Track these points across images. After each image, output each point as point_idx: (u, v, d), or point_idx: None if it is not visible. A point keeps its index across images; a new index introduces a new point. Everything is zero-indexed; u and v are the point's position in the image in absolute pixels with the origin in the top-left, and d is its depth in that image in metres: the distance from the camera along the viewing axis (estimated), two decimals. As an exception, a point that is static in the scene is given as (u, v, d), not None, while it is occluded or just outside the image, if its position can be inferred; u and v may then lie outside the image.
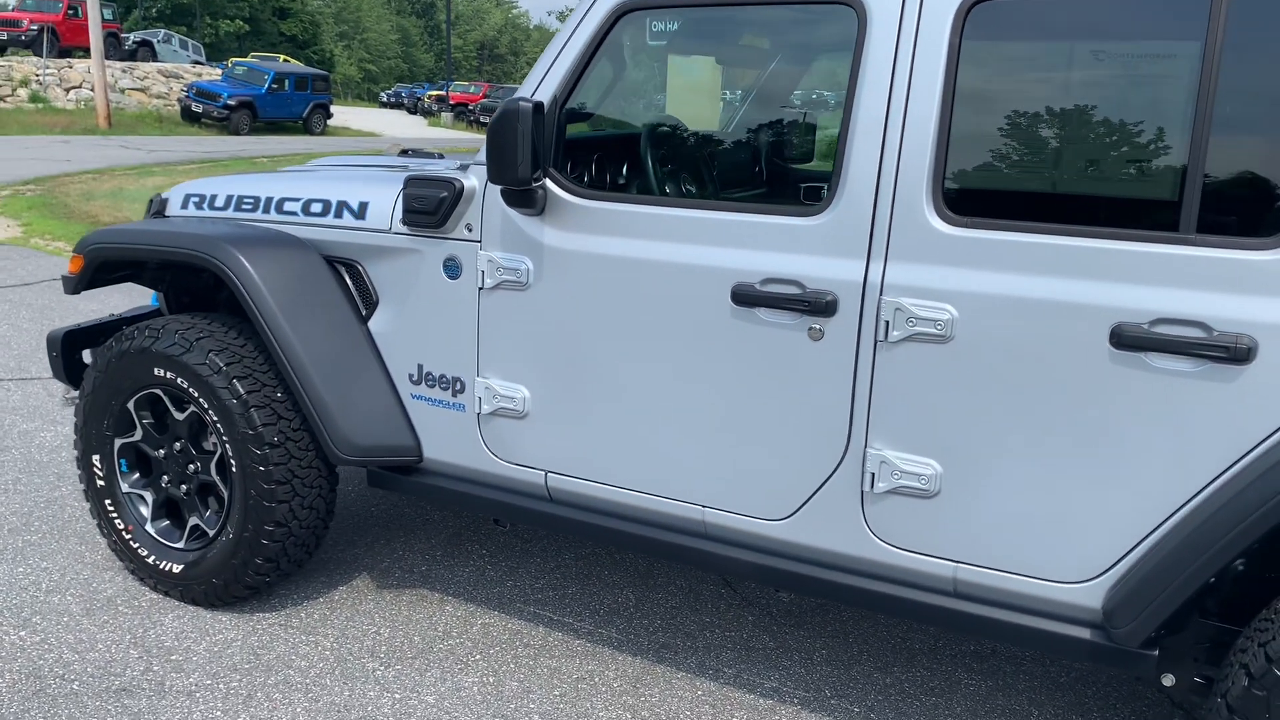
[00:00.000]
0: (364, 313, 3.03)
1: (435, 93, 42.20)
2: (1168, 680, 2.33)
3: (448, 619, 3.26)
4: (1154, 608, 2.09)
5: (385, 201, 2.95)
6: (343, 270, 3.05)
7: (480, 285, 2.79)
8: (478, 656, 3.06)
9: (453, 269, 2.83)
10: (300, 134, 27.76)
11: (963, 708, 2.93)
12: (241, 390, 2.95)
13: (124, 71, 27.33)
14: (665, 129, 3.43)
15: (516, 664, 3.03)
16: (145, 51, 30.97)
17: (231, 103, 25.75)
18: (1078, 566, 2.22)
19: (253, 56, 36.14)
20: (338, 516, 3.93)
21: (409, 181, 2.84)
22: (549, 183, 2.66)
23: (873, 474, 2.38)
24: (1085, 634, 2.24)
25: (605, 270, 2.62)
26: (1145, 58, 2.22)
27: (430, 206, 2.79)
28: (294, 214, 3.11)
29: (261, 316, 2.90)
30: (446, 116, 37.10)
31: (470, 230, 2.79)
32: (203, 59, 34.79)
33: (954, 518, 2.33)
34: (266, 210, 3.17)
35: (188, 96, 26.04)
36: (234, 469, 2.99)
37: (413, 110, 44.43)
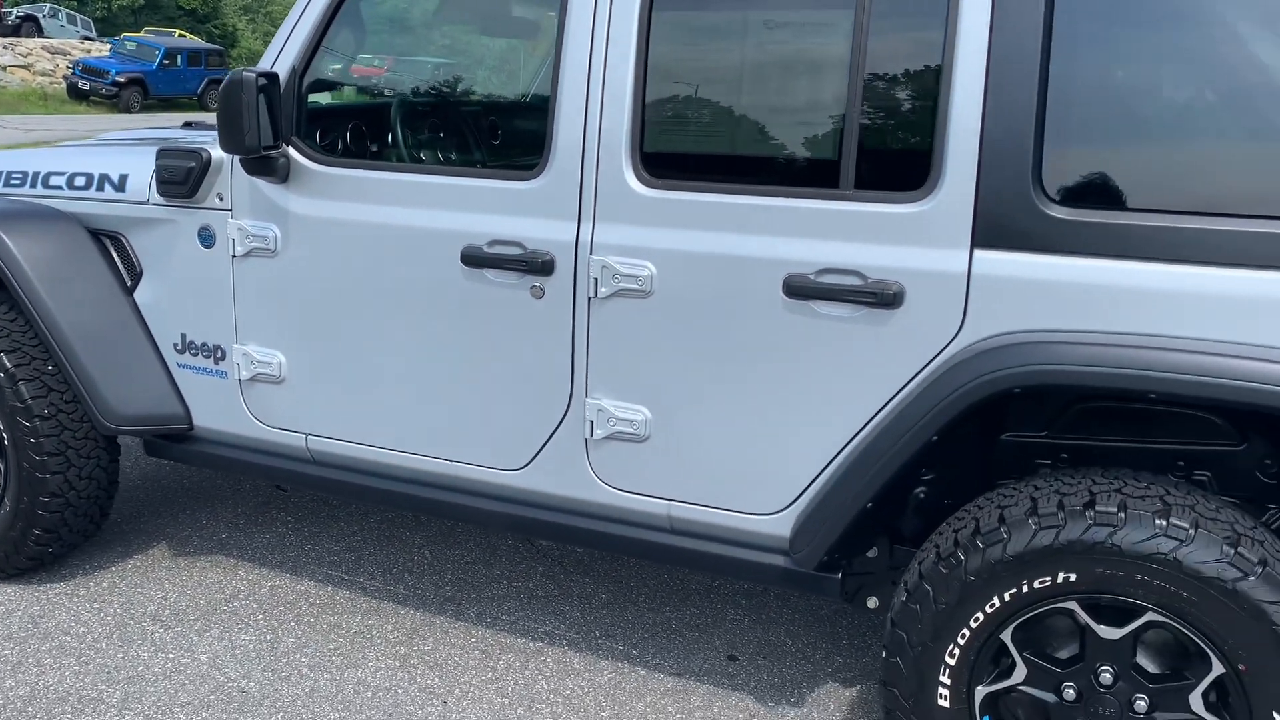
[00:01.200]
0: (129, 284, 3.08)
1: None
2: (872, 603, 2.53)
3: (238, 583, 3.34)
4: (822, 533, 2.27)
5: (144, 173, 2.99)
6: (107, 242, 3.09)
7: (233, 253, 2.86)
8: (260, 616, 3.15)
9: (207, 238, 2.90)
10: (196, 110, 27.03)
11: (721, 641, 3.12)
12: (9, 364, 2.98)
13: (5, 48, 26.28)
14: (409, 96, 3.53)
15: (297, 621, 3.13)
16: (30, 27, 29.78)
17: (120, 79, 24.95)
18: (769, 500, 2.40)
19: (147, 32, 34.91)
20: (143, 487, 3.97)
21: (160, 153, 2.89)
22: (291, 151, 2.73)
23: (592, 421, 2.53)
24: (779, 561, 2.42)
25: (346, 235, 2.71)
26: (808, 26, 2.38)
27: (180, 177, 2.85)
28: (59, 188, 3.14)
29: (21, 290, 2.94)
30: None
31: (222, 199, 2.86)
32: (93, 34, 33.53)
33: (664, 459, 2.49)
34: (34, 185, 3.19)
35: (74, 74, 25.18)
36: (6, 442, 3.03)
37: (318, 85, 43.48)
